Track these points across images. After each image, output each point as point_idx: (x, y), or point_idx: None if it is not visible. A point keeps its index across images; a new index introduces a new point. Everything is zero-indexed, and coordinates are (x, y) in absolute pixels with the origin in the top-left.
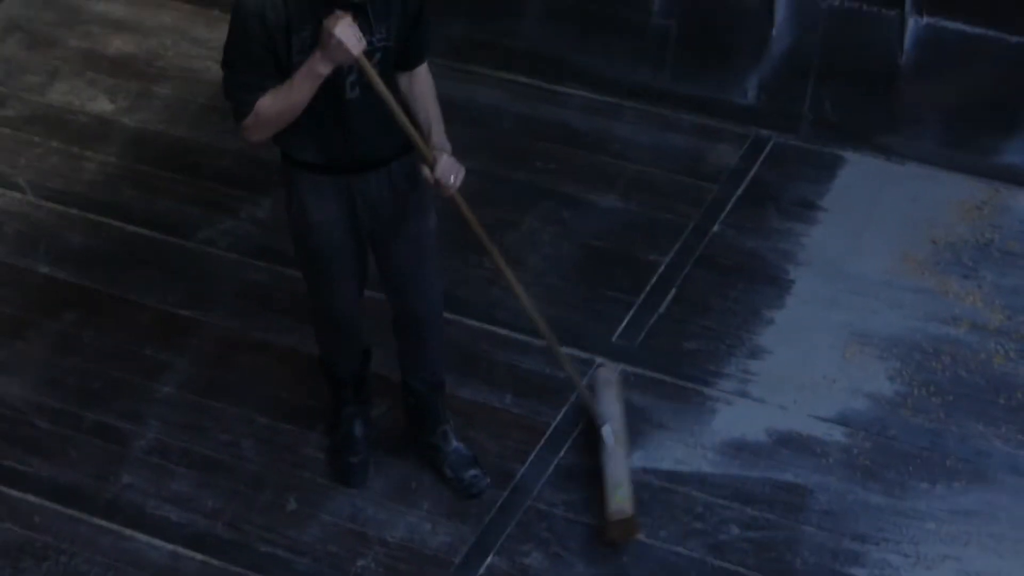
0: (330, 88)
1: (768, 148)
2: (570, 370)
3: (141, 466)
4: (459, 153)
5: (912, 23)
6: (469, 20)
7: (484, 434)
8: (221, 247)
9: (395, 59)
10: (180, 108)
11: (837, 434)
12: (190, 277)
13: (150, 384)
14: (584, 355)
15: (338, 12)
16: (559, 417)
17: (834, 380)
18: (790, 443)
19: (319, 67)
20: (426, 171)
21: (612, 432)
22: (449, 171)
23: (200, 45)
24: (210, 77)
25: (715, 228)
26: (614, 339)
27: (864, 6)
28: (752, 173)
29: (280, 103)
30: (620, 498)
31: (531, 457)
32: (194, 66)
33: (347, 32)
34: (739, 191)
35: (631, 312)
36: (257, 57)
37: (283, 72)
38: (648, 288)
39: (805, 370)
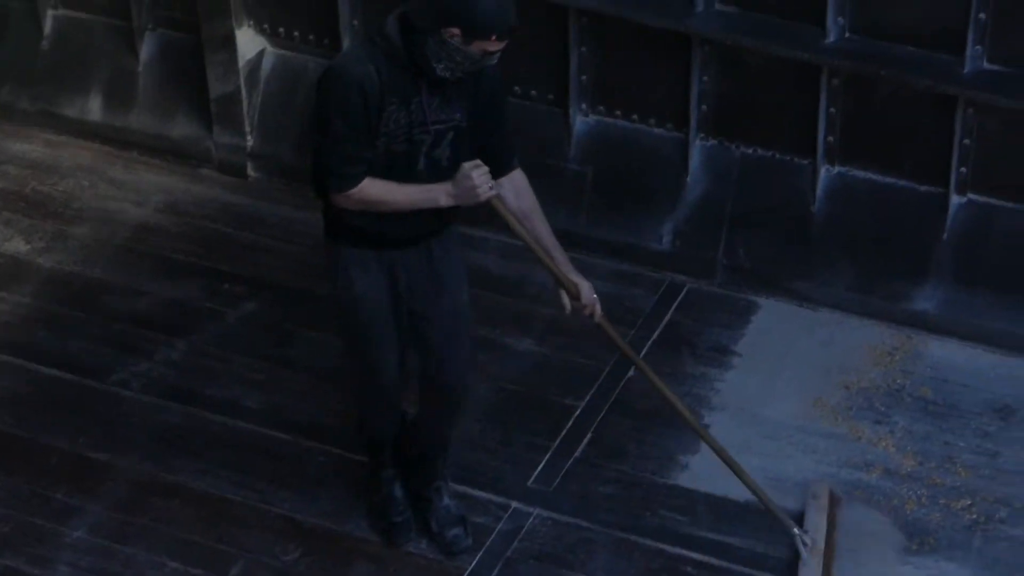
0: (405, 159)
1: (683, 293)
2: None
3: None
4: None
5: (824, 172)
6: None
7: None
8: (135, 389)
9: (470, 145)
10: (96, 249)
11: None
12: (103, 419)
13: (60, 528)
14: (498, 499)
15: (476, 160)
16: (474, 563)
17: None
18: None
19: (443, 200)
20: (566, 299)
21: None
22: (592, 295)
23: (117, 186)
24: (126, 218)
25: (631, 372)
26: (530, 483)
27: (777, 155)
28: (667, 318)
29: (385, 196)
30: None
31: None
32: (110, 207)
33: (482, 180)
34: (654, 336)
35: (547, 456)
36: (358, 128)
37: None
38: (564, 432)
39: (720, 515)
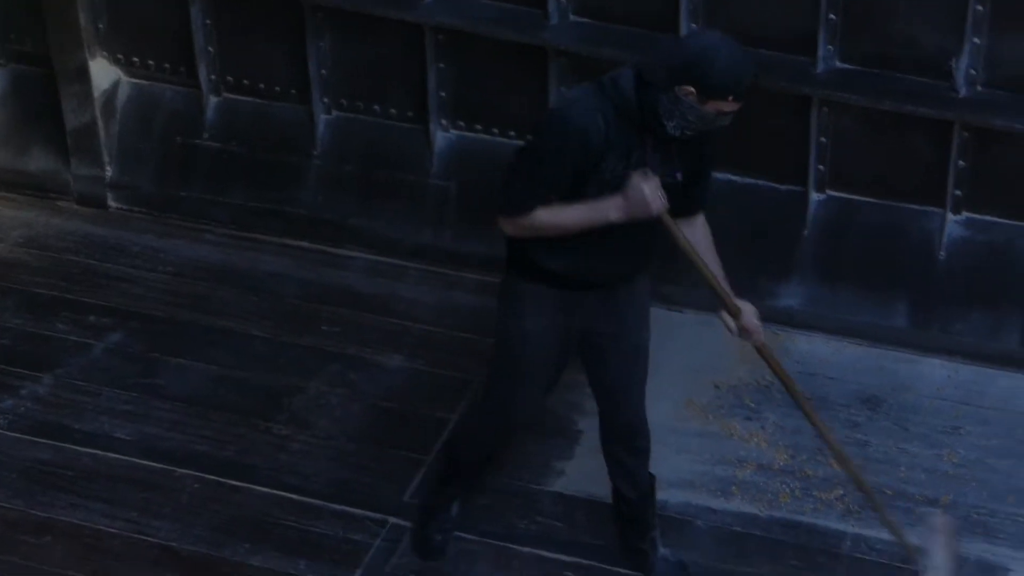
0: None
1: None
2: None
3: None
4: (245, 319)
5: None
6: (249, 188)
7: None
8: (2, 427)
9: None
10: None
11: None
12: None
13: None
14: (376, 515)
15: (647, 170)
16: None
17: None
18: None
19: (613, 214)
20: (727, 319)
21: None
22: (755, 319)
23: None
24: None
25: None
26: (406, 498)
27: None
28: None
29: (556, 222)
30: None
31: None
32: None
33: (653, 192)
34: None
35: (423, 470)
36: (561, 173)
37: (576, 187)
38: (438, 445)
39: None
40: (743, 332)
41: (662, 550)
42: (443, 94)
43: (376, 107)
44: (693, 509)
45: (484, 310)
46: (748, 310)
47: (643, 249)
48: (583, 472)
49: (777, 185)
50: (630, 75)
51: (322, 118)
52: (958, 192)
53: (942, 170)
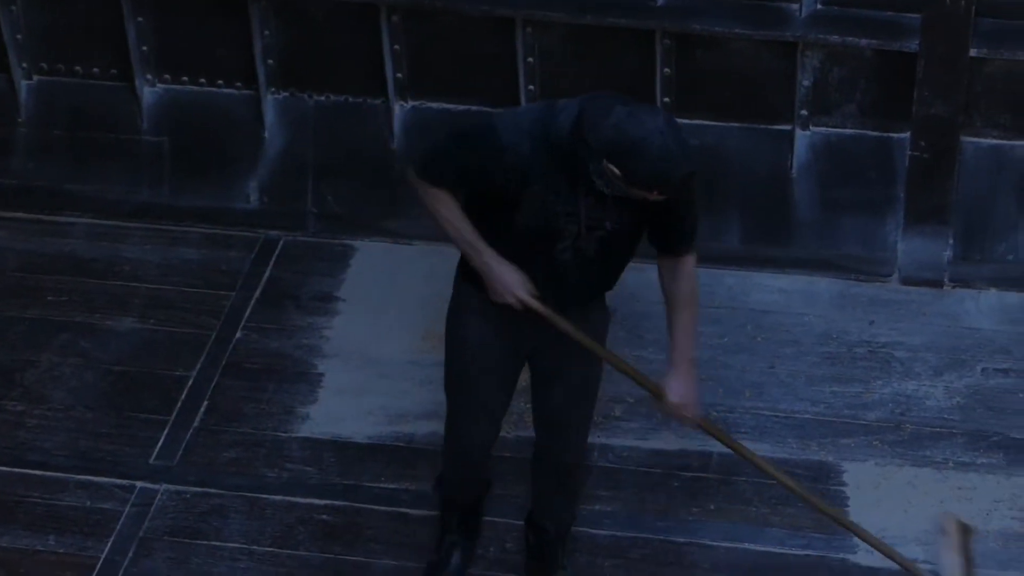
0: (545, 241)
1: (279, 248)
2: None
3: None
4: None
5: (398, 109)
6: None
7: None
8: None
9: (638, 234)
10: None
11: None
12: None
13: None
14: (123, 482)
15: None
16: (106, 549)
17: None
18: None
19: (482, 267)
20: (656, 403)
21: None
22: (680, 403)
23: None
24: None
25: (238, 334)
26: (152, 461)
27: (350, 98)
28: (267, 275)
29: (441, 219)
30: None
31: None
32: None
33: (514, 285)
34: (256, 294)
35: (166, 431)
36: (465, 170)
37: (498, 201)
38: (179, 405)
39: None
40: (670, 413)
41: None
42: (144, 48)
43: (78, 68)
44: (441, 439)
45: (210, 263)
46: (675, 388)
47: (591, 285)
48: (328, 414)
49: (491, 109)
50: (573, 113)
51: (23, 84)
52: (667, 99)
53: (650, 79)
